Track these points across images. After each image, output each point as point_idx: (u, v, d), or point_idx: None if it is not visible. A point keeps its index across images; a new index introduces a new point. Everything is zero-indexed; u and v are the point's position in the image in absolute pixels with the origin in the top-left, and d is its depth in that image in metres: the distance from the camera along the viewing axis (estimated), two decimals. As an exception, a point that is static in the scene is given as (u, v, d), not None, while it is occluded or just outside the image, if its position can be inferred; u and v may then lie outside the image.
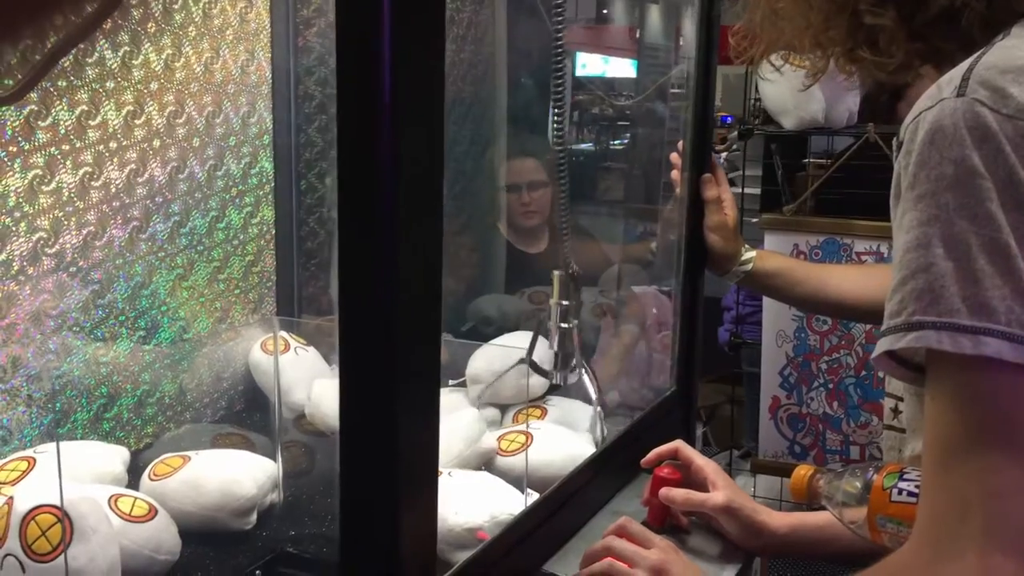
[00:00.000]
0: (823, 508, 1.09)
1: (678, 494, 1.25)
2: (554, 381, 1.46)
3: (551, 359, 1.41)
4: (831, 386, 1.98)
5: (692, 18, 1.76)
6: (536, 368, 1.43)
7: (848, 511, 1.02)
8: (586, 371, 1.46)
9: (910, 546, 0.74)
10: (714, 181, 1.60)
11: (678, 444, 1.33)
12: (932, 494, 0.73)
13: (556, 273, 1.37)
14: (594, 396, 1.49)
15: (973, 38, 0.81)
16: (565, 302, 1.37)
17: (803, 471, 1.11)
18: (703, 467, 1.28)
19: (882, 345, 0.75)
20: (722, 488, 1.25)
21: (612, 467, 1.40)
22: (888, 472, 0.98)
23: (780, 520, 1.24)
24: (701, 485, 1.26)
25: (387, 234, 0.77)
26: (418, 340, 0.81)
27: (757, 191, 2.77)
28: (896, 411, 1.20)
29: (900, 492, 0.95)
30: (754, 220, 2.36)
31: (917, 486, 0.93)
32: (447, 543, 1.12)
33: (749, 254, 1.56)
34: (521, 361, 1.45)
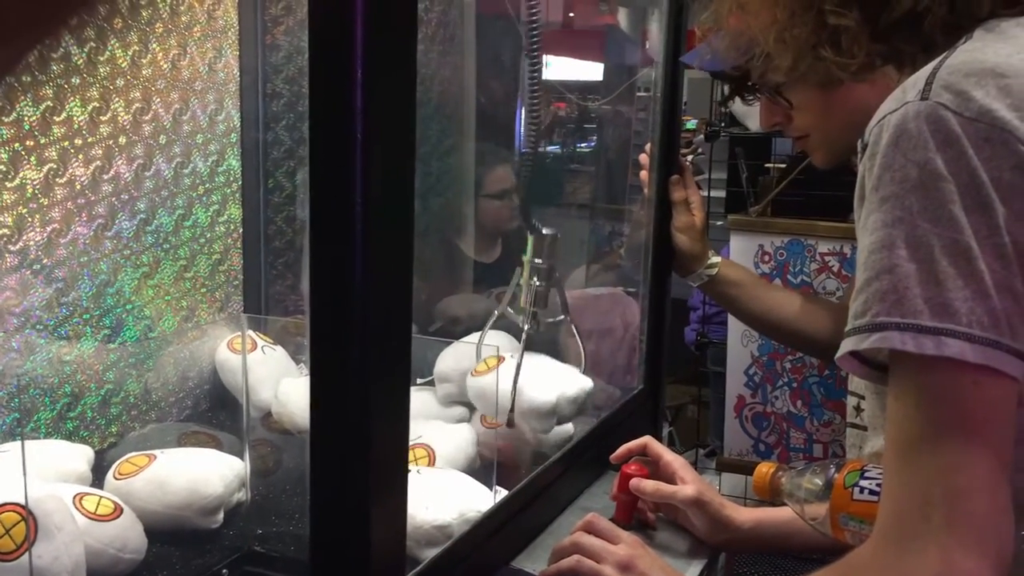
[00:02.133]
0: (785, 504, 1.11)
1: (648, 485, 1.27)
2: (527, 330, 1.44)
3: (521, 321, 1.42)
4: (795, 385, 2.01)
5: (659, 21, 1.77)
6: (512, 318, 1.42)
7: (810, 508, 1.03)
8: (569, 320, 1.47)
9: (872, 543, 0.76)
10: (682, 183, 1.62)
11: (647, 440, 1.34)
12: (894, 491, 0.74)
13: (530, 236, 1.37)
14: (581, 347, 1.49)
15: (935, 41, 0.83)
16: (538, 260, 1.37)
17: (765, 468, 1.13)
18: (671, 462, 1.29)
19: (846, 345, 0.76)
20: (691, 482, 1.26)
21: (580, 464, 1.41)
22: (850, 470, 0.99)
23: (745, 515, 1.26)
24: (670, 480, 1.28)
25: (358, 231, 0.77)
26: (389, 337, 0.81)
27: (723, 194, 2.80)
28: (858, 409, 1.22)
29: (862, 491, 0.96)
30: (719, 223, 2.39)
31: (878, 485, 0.94)
32: (415, 540, 1.12)
33: (715, 259, 1.58)
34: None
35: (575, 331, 1.49)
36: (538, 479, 1.27)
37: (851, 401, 1.24)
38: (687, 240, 1.58)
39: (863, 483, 0.96)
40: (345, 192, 0.76)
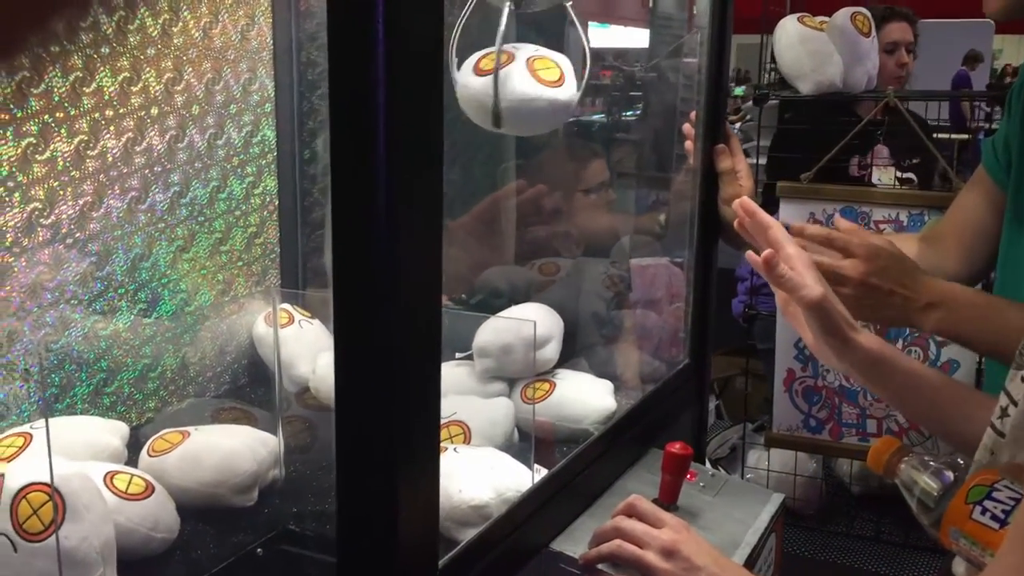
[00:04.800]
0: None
1: (781, 269, 1.06)
2: None
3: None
4: (848, 358, 1.94)
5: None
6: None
7: (920, 507, 0.96)
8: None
9: None
10: (728, 152, 1.55)
11: (770, 222, 1.14)
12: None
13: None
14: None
15: None
16: None
17: (885, 446, 1.03)
18: (794, 256, 1.10)
19: None
20: (815, 283, 1.08)
21: (623, 442, 1.37)
22: (977, 483, 0.90)
23: (871, 343, 1.09)
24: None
25: (383, 198, 0.73)
26: (417, 307, 0.78)
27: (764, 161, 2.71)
28: (1005, 412, 1.06)
29: (984, 512, 0.87)
30: (759, 190, 2.31)
31: (1004, 511, 0.85)
32: (452, 521, 1.09)
33: None
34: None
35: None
36: (579, 458, 1.23)
37: (1002, 399, 1.11)
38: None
39: (988, 504, 0.87)
40: (369, 155, 0.72)
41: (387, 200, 0.72)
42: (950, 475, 0.93)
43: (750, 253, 1.12)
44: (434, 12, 0.74)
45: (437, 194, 0.78)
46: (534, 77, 1.25)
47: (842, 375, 1.97)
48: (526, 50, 1.29)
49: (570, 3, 1.36)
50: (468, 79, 1.26)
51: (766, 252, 1.06)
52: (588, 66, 1.34)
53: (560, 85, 1.27)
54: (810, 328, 1.08)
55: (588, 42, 1.37)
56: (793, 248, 1.11)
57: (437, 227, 0.79)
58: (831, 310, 1.06)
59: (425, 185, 0.77)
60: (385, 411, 0.76)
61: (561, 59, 1.31)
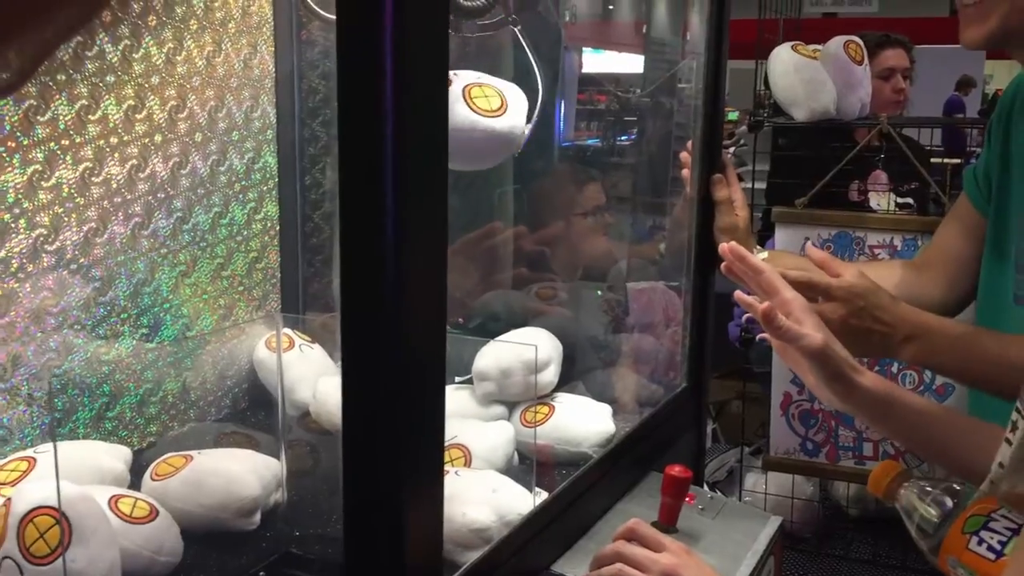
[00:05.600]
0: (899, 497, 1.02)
1: (780, 321, 1.05)
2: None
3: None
4: (844, 382, 1.95)
5: (700, 13, 1.73)
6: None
7: (919, 533, 0.96)
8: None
9: None
10: (725, 181, 1.57)
11: (767, 269, 1.14)
12: None
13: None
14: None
15: None
16: None
17: (889, 469, 1.02)
18: (790, 301, 1.10)
19: None
20: (815, 329, 1.07)
21: (622, 465, 1.38)
22: (974, 512, 0.90)
23: (875, 384, 1.08)
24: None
25: (391, 225, 0.74)
26: (422, 333, 0.79)
27: (763, 185, 2.74)
28: (1014, 426, 1.04)
29: (980, 542, 0.87)
30: (757, 214, 2.33)
31: (1000, 542, 0.86)
32: (453, 543, 1.10)
33: (761, 255, 1.53)
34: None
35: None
36: (579, 481, 1.24)
37: (1013, 415, 1.03)
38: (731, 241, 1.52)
39: (984, 534, 0.87)
40: (377, 182, 0.74)
41: (394, 230, 0.74)
42: (949, 502, 0.93)
43: (742, 296, 1.13)
44: (440, 45, 0.76)
45: (442, 222, 0.80)
46: (470, 106, 1.17)
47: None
48: (465, 77, 1.22)
49: (518, 27, 1.33)
50: None
51: (765, 305, 1.06)
52: (541, 94, 1.30)
53: (500, 115, 1.19)
54: (813, 374, 1.08)
55: (538, 68, 1.33)
56: (789, 292, 1.11)
57: (442, 254, 0.80)
58: (833, 356, 1.05)
59: (431, 214, 0.78)
60: (393, 435, 0.77)
61: (507, 87, 1.24)
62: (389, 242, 0.74)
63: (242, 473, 1.22)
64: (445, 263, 0.81)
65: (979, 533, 0.87)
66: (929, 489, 0.97)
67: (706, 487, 1.90)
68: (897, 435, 1.14)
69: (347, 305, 0.77)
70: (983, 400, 1.31)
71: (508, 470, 1.35)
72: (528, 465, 1.39)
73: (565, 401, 1.54)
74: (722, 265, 1.18)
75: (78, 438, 1.36)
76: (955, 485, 0.96)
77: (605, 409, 1.50)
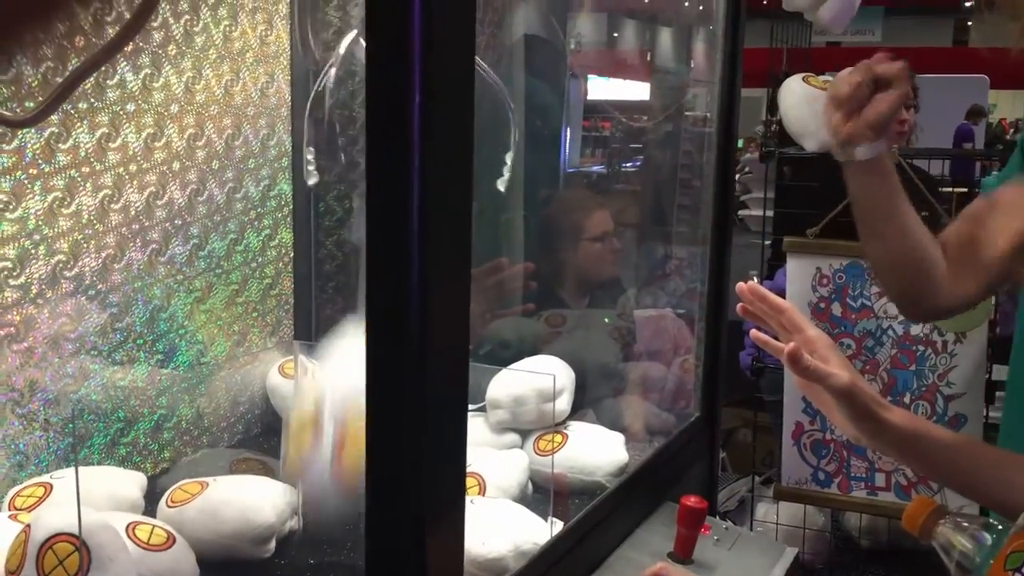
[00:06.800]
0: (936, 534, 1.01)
1: (806, 361, 1.03)
2: None
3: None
4: (855, 412, 1.95)
5: (705, 41, 1.75)
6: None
7: (960, 570, 0.95)
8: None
9: None
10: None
11: (787, 307, 1.13)
12: None
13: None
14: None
15: None
16: None
17: (924, 506, 1.00)
18: (815, 339, 1.08)
19: None
20: (841, 368, 1.06)
21: (637, 495, 1.37)
22: (1014, 549, 0.88)
23: (902, 420, 1.06)
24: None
25: (416, 255, 0.75)
26: (447, 365, 0.79)
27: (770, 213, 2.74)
28: None
29: None
30: (767, 243, 2.34)
31: None
32: (469, 574, 1.10)
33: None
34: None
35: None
36: (594, 511, 1.24)
37: None
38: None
39: None
40: (402, 216, 0.74)
41: (419, 262, 0.74)
42: (987, 537, 0.92)
43: (759, 335, 1.12)
44: (468, 83, 0.77)
45: (467, 254, 0.81)
46: None
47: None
48: None
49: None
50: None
51: (791, 346, 1.04)
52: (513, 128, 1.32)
53: None
54: (840, 413, 1.06)
55: (509, 100, 1.39)
56: (813, 331, 1.09)
57: (466, 285, 0.81)
58: (860, 394, 1.04)
59: (456, 245, 0.79)
60: (416, 464, 0.78)
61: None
62: (414, 274, 0.74)
63: (257, 501, 1.22)
64: (468, 294, 0.81)
65: (1021, 570, 0.87)
66: (966, 525, 0.95)
67: (718, 518, 1.89)
68: (926, 470, 1.12)
69: (373, 334, 0.77)
70: (1013, 430, 1.30)
71: (522, 498, 1.34)
72: (542, 494, 1.39)
73: (578, 429, 1.54)
74: (739, 307, 1.17)
75: (93, 463, 1.37)
76: (991, 520, 0.95)
77: (618, 438, 1.50)
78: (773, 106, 2.70)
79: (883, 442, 1.07)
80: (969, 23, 10.51)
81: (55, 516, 0.97)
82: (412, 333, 0.76)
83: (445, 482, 0.82)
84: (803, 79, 2.05)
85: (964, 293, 1.19)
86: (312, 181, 1.33)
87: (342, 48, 1.53)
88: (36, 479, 1.22)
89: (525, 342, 2.07)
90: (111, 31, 1.32)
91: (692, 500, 1.24)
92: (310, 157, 1.32)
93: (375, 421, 0.79)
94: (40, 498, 1.18)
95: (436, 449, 0.80)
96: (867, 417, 1.04)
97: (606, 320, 2.20)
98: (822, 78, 2.09)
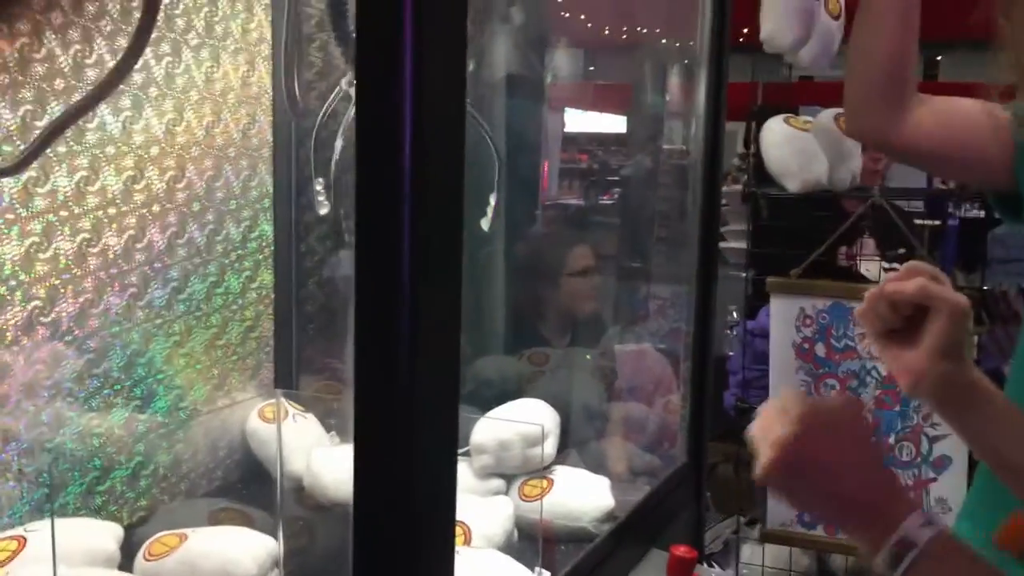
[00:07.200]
0: None
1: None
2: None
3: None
4: (840, 452, 1.94)
5: (680, 75, 1.76)
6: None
7: None
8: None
9: None
10: None
11: None
12: None
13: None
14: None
15: None
16: None
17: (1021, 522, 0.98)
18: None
19: None
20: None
21: (625, 544, 1.36)
22: None
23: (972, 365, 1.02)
24: None
25: (407, 298, 0.74)
26: (438, 410, 0.78)
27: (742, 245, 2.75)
28: None
29: None
30: (743, 274, 2.34)
31: None
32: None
33: None
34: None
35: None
36: (584, 561, 1.22)
37: None
38: None
39: None
40: (392, 256, 0.73)
41: (410, 308, 0.73)
42: None
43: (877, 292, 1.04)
44: (459, 125, 0.76)
45: (456, 301, 0.79)
46: None
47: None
48: None
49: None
50: None
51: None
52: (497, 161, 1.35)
53: None
54: (934, 342, 0.99)
55: (494, 141, 1.40)
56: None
57: (456, 332, 0.79)
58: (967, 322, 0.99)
59: (446, 291, 0.78)
60: (408, 515, 0.76)
61: None
62: (404, 321, 0.73)
63: (237, 554, 1.19)
64: (459, 337, 0.80)
65: None
66: None
67: (705, 564, 1.87)
68: (981, 427, 1.03)
69: (361, 383, 0.75)
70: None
71: (508, 547, 1.32)
72: (527, 541, 1.36)
73: (563, 474, 1.52)
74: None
75: (68, 513, 1.33)
76: None
77: (603, 482, 1.49)
78: (749, 139, 2.71)
79: (959, 386, 1.00)
80: (939, 58, 10.66)
81: (31, 573, 0.94)
82: (402, 384, 0.74)
83: (436, 533, 0.80)
84: (784, 120, 2.07)
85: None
86: (324, 211, 1.33)
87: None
88: (9, 532, 1.18)
89: (508, 381, 2.05)
90: (91, 74, 1.30)
91: (681, 550, 1.22)
92: (319, 188, 1.31)
93: (362, 473, 0.77)
94: (13, 551, 1.14)
95: (427, 499, 0.78)
96: (960, 351, 0.99)
97: (587, 357, 2.19)
98: (802, 119, 2.12)
